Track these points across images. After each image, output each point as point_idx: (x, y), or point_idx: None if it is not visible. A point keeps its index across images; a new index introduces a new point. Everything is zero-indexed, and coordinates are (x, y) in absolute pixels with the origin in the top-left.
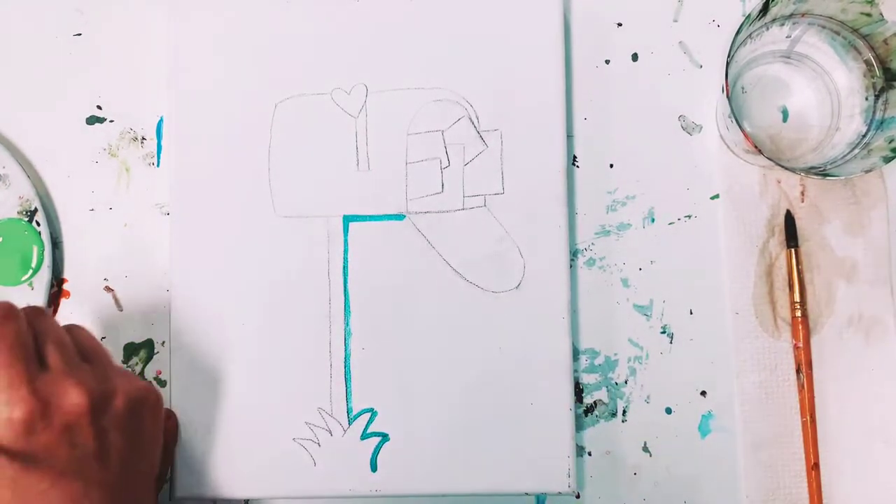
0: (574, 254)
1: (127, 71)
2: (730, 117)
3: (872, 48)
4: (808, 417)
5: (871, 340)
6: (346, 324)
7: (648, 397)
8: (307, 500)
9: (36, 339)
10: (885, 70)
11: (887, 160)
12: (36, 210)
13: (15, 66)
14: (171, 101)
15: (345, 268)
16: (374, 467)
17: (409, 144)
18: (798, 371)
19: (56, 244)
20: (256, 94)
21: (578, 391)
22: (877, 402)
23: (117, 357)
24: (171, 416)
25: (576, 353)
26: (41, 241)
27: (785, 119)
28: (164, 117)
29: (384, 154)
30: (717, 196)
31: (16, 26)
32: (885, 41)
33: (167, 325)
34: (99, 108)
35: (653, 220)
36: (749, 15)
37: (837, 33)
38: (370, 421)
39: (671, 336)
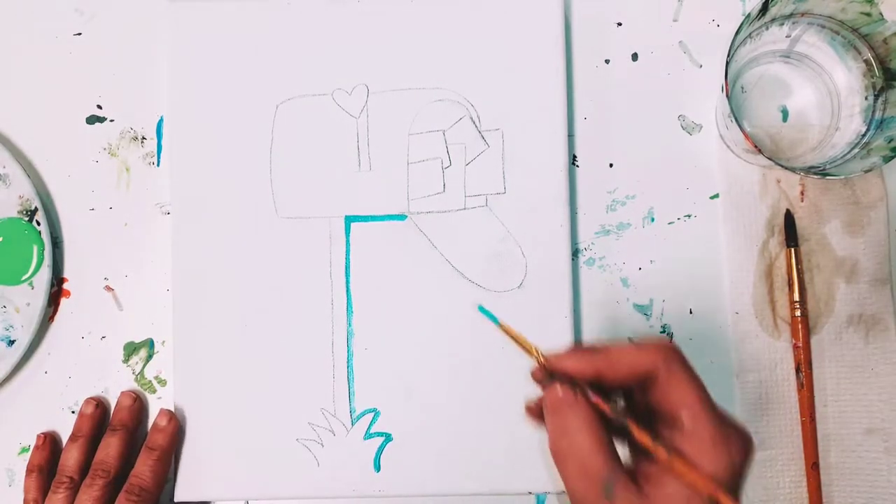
0: (574, 253)
1: (127, 71)
2: (730, 117)
3: (872, 48)
4: (808, 417)
5: (870, 340)
6: (349, 324)
7: None
8: (311, 501)
9: None
10: (885, 70)
11: (887, 160)
12: (36, 210)
13: (15, 66)
14: (171, 101)
15: (347, 268)
16: (377, 467)
17: (410, 144)
18: (798, 371)
19: (56, 244)
20: (257, 95)
21: None
22: (877, 402)
23: (117, 356)
24: (171, 419)
25: None
26: (41, 240)
27: (785, 118)
28: (164, 117)
29: (385, 154)
30: (716, 196)
31: (16, 26)
32: (885, 41)
33: (167, 325)
34: (99, 107)
35: (653, 220)
36: (749, 14)
37: (837, 33)
38: (373, 421)
39: (671, 336)
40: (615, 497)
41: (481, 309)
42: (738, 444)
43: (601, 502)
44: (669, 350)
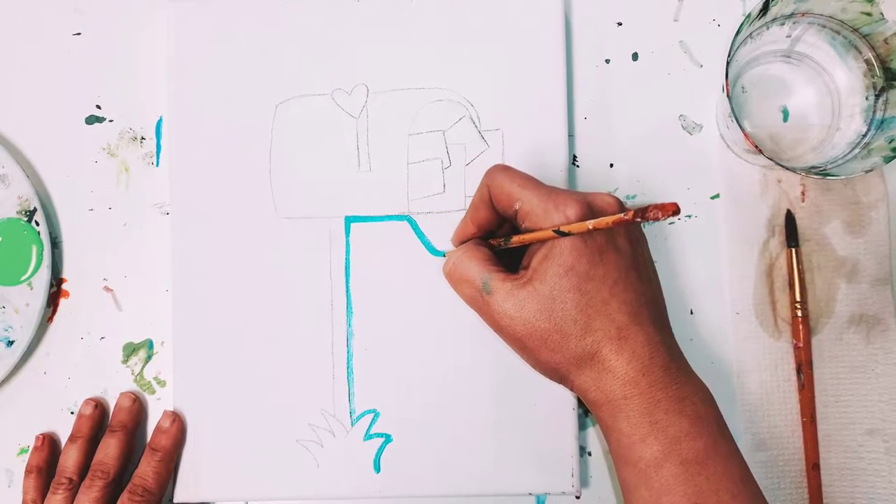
0: None
1: (127, 71)
2: (730, 117)
3: (873, 47)
4: (809, 418)
5: (871, 340)
6: (349, 325)
7: None
8: (310, 502)
9: None
10: (886, 69)
11: (888, 160)
12: (35, 210)
13: (14, 65)
14: (171, 101)
15: (347, 269)
16: (377, 468)
17: (410, 145)
18: (798, 371)
19: (55, 244)
20: (257, 95)
21: None
22: (878, 403)
23: (116, 357)
24: (175, 420)
25: None
26: (40, 240)
27: (785, 118)
28: (163, 117)
29: (385, 154)
30: (717, 196)
31: (16, 26)
32: (886, 40)
33: (167, 326)
34: (98, 107)
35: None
36: (749, 14)
37: (838, 33)
38: (373, 422)
39: None
40: (492, 290)
41: (439, 253)
42: (571, 206)
43: (483, 298)
44: (489, 171)
